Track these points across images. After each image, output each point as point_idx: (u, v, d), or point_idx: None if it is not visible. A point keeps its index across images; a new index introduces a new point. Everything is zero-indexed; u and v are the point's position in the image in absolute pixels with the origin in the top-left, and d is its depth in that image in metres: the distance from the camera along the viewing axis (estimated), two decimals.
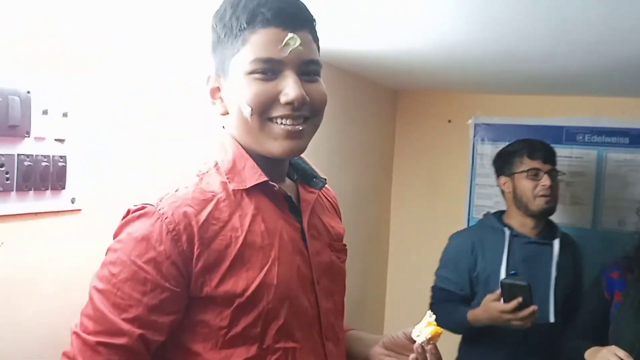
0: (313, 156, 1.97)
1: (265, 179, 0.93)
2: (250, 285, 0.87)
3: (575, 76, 1.98)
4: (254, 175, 0.93)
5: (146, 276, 0.84)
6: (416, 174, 2.65)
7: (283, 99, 0.88)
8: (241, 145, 0.95)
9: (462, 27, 1.41)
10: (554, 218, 2.42)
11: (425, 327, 1.01)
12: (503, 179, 1.96)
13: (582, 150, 2.39)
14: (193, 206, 0.87)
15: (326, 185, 1.13)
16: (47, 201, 1.04)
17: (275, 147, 0.91)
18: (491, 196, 2.50)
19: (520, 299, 1.65)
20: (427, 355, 1.00)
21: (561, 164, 2.41)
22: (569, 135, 2.41)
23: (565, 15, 1.25)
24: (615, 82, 2.03)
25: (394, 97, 2.70)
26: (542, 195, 1.85)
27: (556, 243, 1.88)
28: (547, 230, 1.93)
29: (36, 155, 1.01)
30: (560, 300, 1.85)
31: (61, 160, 1.06)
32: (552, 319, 1.82)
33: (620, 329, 1.61)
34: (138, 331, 0.83)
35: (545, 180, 1.85)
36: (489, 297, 1.72)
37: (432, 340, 1.00)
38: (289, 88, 0.87)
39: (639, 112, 2.32)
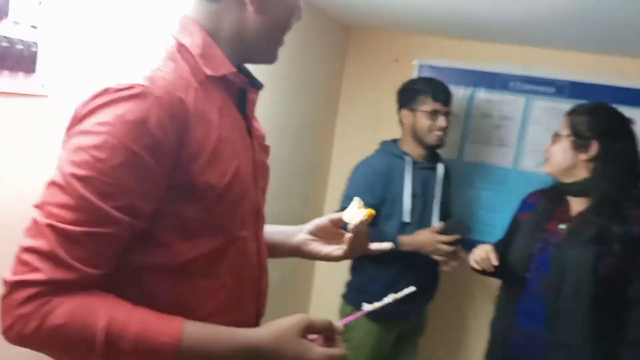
0: (267, 80, 2.08)
1: (234, 70, 0.93)
2: (225, 177, 0.87)
3: (511, 25, 2.16)
4: (224, 64, 0.91)
5: (141, 162, 0.78)
6: (361, 108, 2.80)
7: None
8: (209, 36, 0.93)
9: None
10: (481, 157, 2.66)
11: (357, 210, 1.10)
12: (405, 112, 2.17)
13: (512, 96, 2.60)
14: (183, 91, 0.83)
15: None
16: (19, 82, 1.12)
17: (274, 56, 1.04)
18: None
19: (459, 236, 1.99)
20: (361, 235, 1.10)
21: (492, 108, 2.63)
22: (502, 82, 2.61)
23: None
24: (548, 33, 2.21)
25: (345, 32, 2.81)
26: (437, 132, 2.11)
27: (440, 167, 2.19)
28: (431, 155, 2.20)
29: (13, 38, 1.08)
30: (441, 214, 2.17)
31: (34, 45, 1.13)
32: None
33: (517, 243, 1.83)
34: (128, 219, 0.79)
35: (442, 122, 2.11)
36: (432, 228, 2.04)
37: (366, 221, 1.08)
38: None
39: (565, 64, 2.53)
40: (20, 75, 1.12)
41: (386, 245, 1.19)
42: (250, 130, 1.01)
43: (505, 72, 2.60)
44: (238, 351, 0.82)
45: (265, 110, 1.32)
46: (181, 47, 0.90)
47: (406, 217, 2.07)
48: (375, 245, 1.18)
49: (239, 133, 0.95)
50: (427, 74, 2.68)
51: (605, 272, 1.60)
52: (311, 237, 1.19)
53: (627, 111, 2.46)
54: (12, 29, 1.08)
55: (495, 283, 1.96)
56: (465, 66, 2.65)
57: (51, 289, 0.75)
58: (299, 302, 2.87)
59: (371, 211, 1.09)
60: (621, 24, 1.86)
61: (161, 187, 0.82)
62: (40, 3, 1.13)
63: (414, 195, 2.09)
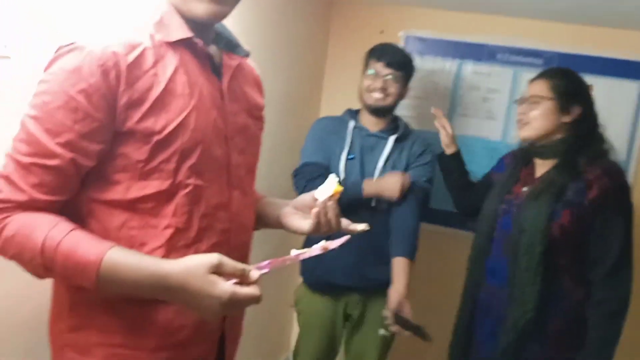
0: (255, 51, 2.03)
1: (191, 35, 1.01)
2: (168, 125, 0.97)
3: None
4: (180, 31, 1.01)
5: (77, 105, 0.90)
6: (346, 82, 2.74)
7: None
8: (172, 5, 1.03)
9: None
10: (469, 130, 2.62)
11: (329, 187, 1.14)
12: (361, 78, 2.14)
13: (500, 68, 2.56)
14: (121, 48, 0.93)
15: (252, 64, 1.25)
16: None
17: (199, 8, 0.99)
18: (416, 108, 2.65)
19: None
20: (328, 210, 1.14)
21: (480, 80, 2.59)
22: (490, 54, 2.56)
23: None
24: (536, 3, 2.17)
25: (329, 5, 2.74)
26: (375, 95, 2.05)
27: (391, 138, 2.08)
28: (391, 127, 2.12)
29: None
30: None
31: None
32: (373, 204, 2.03)
33: (486, 204, 1.90)
34: (70, 154, 0.92)
35: (378, 83, 2.04)
36: (398, 173, 2.00)
37: (333, 197, 1.14)
38: None
39: (553, 36, 2.49)
40: None
41: (362, 227, 1.18)
42: (223, 92, 1.08)
43: (493, 43, 2.56)
44: (148, 278, 0.90)
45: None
46: (146, 20, 1.01)
47: (339, 177, 2.02)
48: (350, 226, 1.19)
49: (203, 91, 1.03)
50: (413, 45, 2.63)
51: (557, 232, 1.66)
52: (293, 210, 1.24)
53: (614, 82, 2.46)
54: None
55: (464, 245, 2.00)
56: (452, 38, 2.60)
57: (8, 207, 0.92)
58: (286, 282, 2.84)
59: (338, 188, 1.13)
60: None
61: (104, 130, 0.94)
62: None
63: (351, 158, 2.05)
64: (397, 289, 1.93)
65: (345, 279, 2.04)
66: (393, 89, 2.06)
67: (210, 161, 1.04)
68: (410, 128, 2.19)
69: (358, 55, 2.68)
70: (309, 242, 2.05)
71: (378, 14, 2.69)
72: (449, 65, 2.61)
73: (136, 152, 0.96)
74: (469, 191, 2.18)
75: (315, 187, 1.21)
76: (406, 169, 2.08)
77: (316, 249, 1.04)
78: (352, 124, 2.10)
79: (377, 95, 2.05)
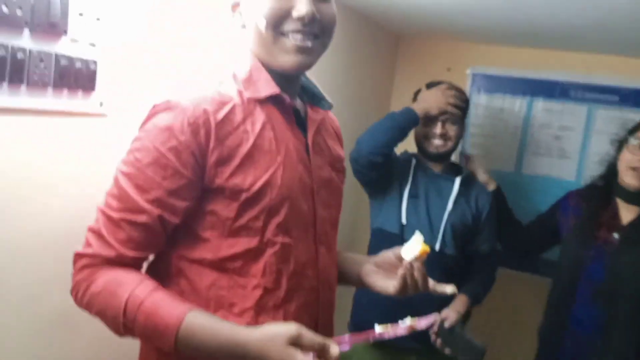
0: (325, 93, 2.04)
1: (278, 91, 1.02)
2: (257, 182, 0.96)
3: (571, 31, 2.05)
4: (268, 87, 1.01)
5: (167, 162, 0.92)
6: None
7: (295, 13, 0.96)
8: (259, 60, 1.03)
9: None
10: (541, 169, 2.54)
11: (415, 245, 1.09)
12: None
13: (574, 105, 2.47)
14: (212, 105, 0.95)
15: (332, 115, 1.25)
16: (78, 102, 1.11)
17: (285, 60, 0.99)
18: (485, 147, 2.60)
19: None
20: (415, 271, 1.10)
21: (552, 118, 2.51)
22: (562, 90, 2.49)
23: None
24: (609, 39, 2.10)
25: (396, 41, 2.74)
26: (435, 141, 1.97)
27: (457, 180, 1.98)
28: (452, 169, 2.05)
29: (72, 56, 1.06)
30: (451, 232, 1.95)
31: (93, 64, 1.11)
32: (437, 247, 1.94)
33: (566, 250, 1.84)
34: (157, 211, 0.93)
35: (437, 128, 1.95)
36: None
37: (420, 258, 1.08)
38: (301, 4, 0.95)
39: (630, 71, 2.40)
40: (80, 93, 1.10)
41: (450, 289, 1.14)
42: (309, 146, 1.08)
43: (565, 80, 2.48)
44: (226, 344, 0.88)
45: None
46: (234, 75, 1.03)
47: (403, 219, 1.95)
48: (437, 287, 1.15)
49: (289, 146, 1.03)
50: (481, 83, 2.59)
51: None
52: (375, 268, 1.20)
53: None
54: (71, 47, 1.06)
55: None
56: (522, 74, 2.54)
57: (97, 261, 0.93)
58: None
59: (425, 248, 1.08)
60: None
61: (191, 187, 0.95)
62: (98, 19, 1.11)
63: (414, 196, 1.98)
64: (448, 309, 1.85)
65: (406, 340, 1.98)
66: (452, 132, 1.99)
67: (298, 217, 1.03)
68: (472, 175, 2.12)
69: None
70: None
71: (445, 50, 2.67)
72: (519, 102, 2.54)
73: (225, 210, 0.96)
74: (516, 229, 2.13)
75: None
76: (471, 219, 2.01)
77: (402, 329, 1.00)
78: (414, 161, 2.04)
79: (438, 142, 1.98)
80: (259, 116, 1.00)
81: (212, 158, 0.94)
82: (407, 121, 1.93)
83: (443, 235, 1.96)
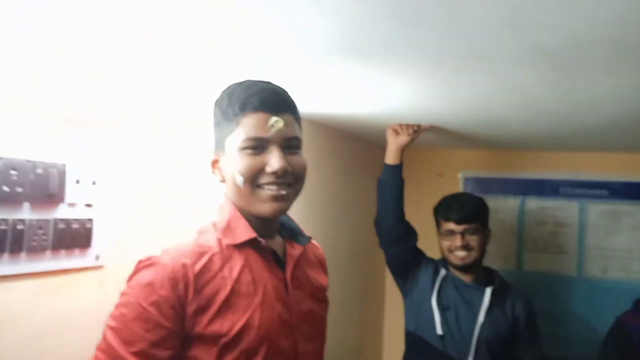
0: (312, 212, 2.14)
1: (254, 235, 1.09)
2: (234, 326, 1.02)
3: (554, 136, 2.15)
4: (245, 233, 1.09)
5: (149, 316, 0.98)
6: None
7: (268, 169, 1.06)
8: (237, 208, 1.12)
9: (440, 97, 1.59)
10: (542, 266, 2.55)
11: None
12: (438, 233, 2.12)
13: (565, 201, 2.54)
14: (190, 258, 1.02)
15: (316, 244, 1.32)
16: (76, 259, 1.20)
17: (263, 208, 1.08)
18: None
19: None
20: None
21: (546, 215, 2.57)
22: (552, 188, 2.56)
23: (537, 93, 1.43)
24: (596, 139, 2.19)
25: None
26: (456, 252, 2.00)
27: (488, 290, 2.00)
28: (484, 277, 2.07)
29: (69, 219, 1.16)
30: (484, 344, 1.94)
31: (89, 222, 1.22)
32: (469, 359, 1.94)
33: None
34: None
35: (457, 241, 2.00)
36: None
37: None
38: (274, 160, 1.05)
39: (616, 166, 2.48)
40: (76, 251, 1.19)
41: None
42: (287, 283, 1.13)
43: (554, 178, 2.56)
44: None
45: (316, 240, 1.37)
46: (214, 224, 1.12)
47: (438, 329, 1.98)
48: None
49: (267, 286, 1.08)
50: (472, 186, 2.68)
51: None
52: None
53: None
54: (68, 211, 1.17)
55: None
56: (511, 175, 2.63)
57: None
58: None
59: None
60: None
61: (173, 337, 0.99)
62: (94, 183, 1.22)
63: (445, 309, 2.00)
64: None
65: None
66: (474, 242, 2.02)
67: (277, 356, 1.07)
68: (507, 281, 2.11)
69: (418, 198, 2.75)
70: None
71: (436, 158, 2.78)
72: (512, 202, 2.61)
73: (205, 354, 1.00)
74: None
75: None
76: (508, 330, 2.00)
77: None
78: (443, 272, 2.07)
79: (461, 253, 2.02)
80: (237, 261, 1.07)
81: (191, 308, 1.00)
82: (392, 176, 2.05)
83: (476, 349, 1.96)
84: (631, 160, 2.45)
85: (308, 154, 2.13)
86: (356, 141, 2.50)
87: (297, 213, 1.94)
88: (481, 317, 1.97)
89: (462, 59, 1.21)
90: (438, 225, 2.11)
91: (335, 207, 2.35)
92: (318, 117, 2.04)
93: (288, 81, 1.46)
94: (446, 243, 2.04)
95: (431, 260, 2.16)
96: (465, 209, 2.04)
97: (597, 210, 2.50)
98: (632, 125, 1.82)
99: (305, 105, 1.84)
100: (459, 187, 2.68)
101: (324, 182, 2.26)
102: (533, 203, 2.59)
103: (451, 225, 2.02)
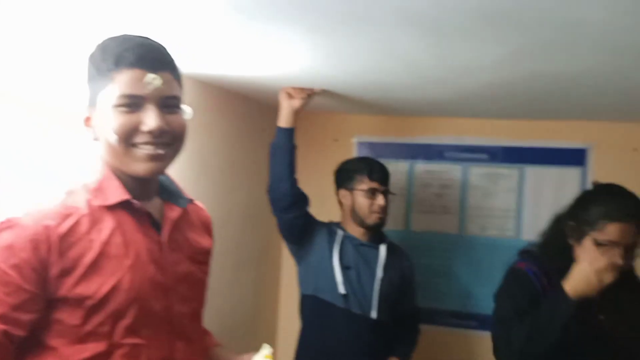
0: (203, 175, 2.12)
1: (127, 197, 1.07)
2: (101, 289, 1.00)
3: (441, 102, 2.27)
4: (117, 194, 1.07)
5: (9, 279, 0.95)
6: (305, 188, 2.84)
7: (144, 128, 1.03)
8: (111, 168, 1.09)
9: (326, 60, 1.63)
10: (427, 225, 2.71)
11: (262, 358, 1.18)
12: (343, 192, 2.19)
13: (449, 165, 2.70)
14: (54, 219, 0.99)
15: (200, 206, 1.31)
16: None
17: (138, 167, 1.06)
18: None
19: None
20: None
21: (433, 178, 2.72)
22: (438, 152, 2.72)
23: (415, 57, 1.50)
24: (476, 106, 2.34)
25: None
26: (377, 212, 2.12)
27: (383, 247, 2.15)
28: (377, 237, 2.20)
29: None
30: (383, 298, 2.10)
31: None
32: (374, 315, 2.07)
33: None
34: (2, 326, 0.95)
35: (381, 200, 2.12)
36: None
37: None
38: (150, 119, 1.03)
39: (495, 132, 2.66)
40: None
41: None
42: (163, 244, 1.12)
43: (439, 143, 2.71)
44: None
45: (208, 203, 1.36)
46: (84, 185, 1.07)
47: (340, 289, 2.06)
48: None
49: (139, 249, 1.07)
50: (366, 150, 2.77)
51: None
52: None
53: (558, 170, 2.61)
54: None
55: None
56: (402, 140, 2.75)
57: None
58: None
59: None
60: (544, 92, 1.97)
61: (36, 301, 0.98)
62: None
63: (347, 268, 2.09)
64: None
65: None
66: (387, 204, 2.16)
67: (149, 317, 1.07)
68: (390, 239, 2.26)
69: (314, 162, 2.81)
70: None
71: (331, 122, 2.84)
72: (402, 166, 2.74)
73: (71, 317, 1.00)
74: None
75: None
76: (399, 283, 2.16)
77: None
78: (340, 232, 2.16)
79: (380, 213, 2.13)
80: (108, 223, 1.04)
81: (54, 271, 0.97)
82: (285, 140, 2.07)
83: (377, 303, 2.08)
84: (508, 126, 2.64)
85: (199, 116, 2.12)
86: (250, 104, 2.50)
87: (187, 176, 1.93)
88: (380, 273, 2.11)
89: (343, 21, 1.24)
90: (351, 185, 2.16)
91: (228, 171, 2.34)
92: (209, 78, 2.01)
93: (174, 39, 1.42)
94: (366, 202, 2.12)
95: (322, 223, 2.23)
96: (386, 172, 2.18)
97: (478, 173, 2.68)
98: (503, 91, 1.96)
99: (196, 66, 1.80)
100: (353, 152, 2.77)
101: (216, 145, 2.25)
102: (420, 167, 2.73)
103: (376, 185, 2.12)
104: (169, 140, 1.07)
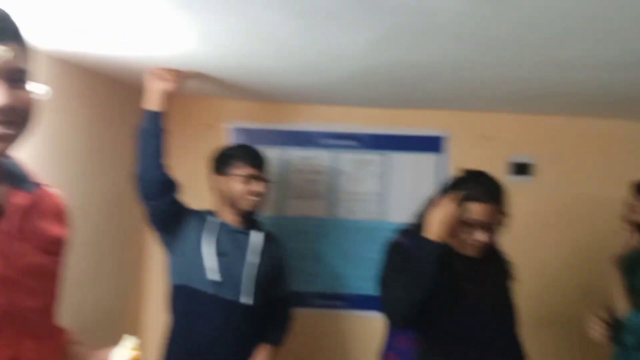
0: (63, 160, 1.98)
1: None
2: None
3: (309, 88, 2.33)
4: None
5: None
6: (176, 175, 2.76)
7: None
8: None
9: (197, 40, 1.60)
10: (301, 210, 2.77)
11: (127, 350, 1.15)
12: (219, 177, 2.17)
13: (320, 151, 2.79)
14: None
15: (54, 193, 1.19)
16: None
17: None
18: None
19: None
20: None
21: (305, 164, 2.79)
22: (310, 139, 2.79)
23: (285, 40, 1.52)
24: (342, 93, 2.43)
25: None
26: (252, 197, 2.13)
27: (257, 234, 2.17)
28: (251, 223, 2.22)
29: None
30: (256, 284, 2.11)
31: None
32: (246, 301, 2.09)
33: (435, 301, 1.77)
34: None
35: (257, 186, 2.13)
36: None
37: None
38: None
39: (364, 119, 2.79)
40: None
41: None
42: (7, 234, 1.02)
43: (312, 130, 2.78)
44: None
45: (66, 190, 1.26)
46: None
47: (212, 275, 2.04)
48: None
49: None
50: (239, 136, 2.77)
51: None
52: None
53: (418, 156, 2.80)
54: None
55: None
56: (275, 127, 2.78)
57: None
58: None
59: (136, 355, 1.15)
60: (406, 81, 2.10)
61: None
62: None
63: (221, 254, 2.08)
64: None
65: None
66: (265, 190, 2.17)
67: None
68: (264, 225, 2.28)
69: (185, 148, 2.75)
70: None
71: (204, 107, 2.79)
72: (276, 152, 2.77)
73: None
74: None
75: None
76: (273, 269, 2.19)
77: None
78: (214, 219, 2.13)
79: (255, 198, 2.12)
80: None
81: None
82: (153, 124, 2.00)
83: (250, 289, 2.09)
84: (375, 114, 2.79)
85: (58, 96, 1.98)
86: (115, 85, 2.38)
87: (43, 161, 1.79)
88: (253, 259, 2.12)
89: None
90: (228, 171, 2.14)
91: (89, 156, 2.22)
92: (68, 55, 1.88)
93: (25, 10, 1.31)
94: (242, 187, 2.10)
95: (194, 210, 2.19)
96: (263, 158, 2.19)
97: (347, 159, 2.80)
98: (370, 80, 2.06)
99: (53, 42, 1.68)
100: (227, 138, 2.75)
101: (76, 128, 2.12)
102: (294, 153, 2.79)
103: (252, 171, 2.12)
104: (17, 119, 0.97)
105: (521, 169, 2.81)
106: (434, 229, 1.70)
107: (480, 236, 1.74)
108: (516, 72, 1.83)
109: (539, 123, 2.80)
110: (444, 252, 1.71)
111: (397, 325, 1.82)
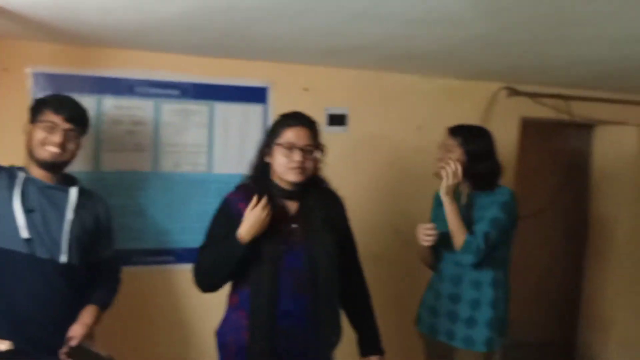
0: None
1: None
2: None
3: (129, 31, 2.17)
4: None
5: None
6: None
7: None
8: None
9: None
10: (120, 164, 2.62)
11: None
12: (28, 126, 1.99)
13: (141, 101, 2.63)
14: None
15: None
16: None
17: None
18: None
19: None
20: None
21: (123, 114, 2.62)
22: (128, 87, 2.61)
23: None
24: (167, 39, 2.31)
25: None
26: (50, 148, 1.94)
27: (73, 190, 2.02)
28: (66, 179, 2.07)
29: None
30: (74, 241, 1.99)
31: None
32: (63, 259, 1.95)
33: (261, 249, 1.89)
34: None
35: (56, 137, 1.94)
36: None
37: None
38: None
39: (187, 68, 2.69)
40: None
41: None
42: None
43: (130, 77, 2.61)
44: None
45: None
46: None
47: (23, 233, 1.88)
48: None
49: None
50: (43, 83, 2.48)
51: None
52: None
53: (245, 106, 2.81)
54: None
55: None
56: (87, 73, 2.55)
57: None
58: None
59: None
60: (223, 28, 2.07)
61: None
62: None
63: (30, 211, 1.91)
64: (76, 324, 1.93)
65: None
66: (72, 145, 1.99)
67: None
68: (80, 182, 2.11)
69: None
70: None
71: (1, 50, 2.44)
72: (88, 101, 2.53)
73: None
74: None
75: None
76: (92, 226, 2.06)
77: None
78: (22, 175, 1.94)
79: (54, 149, 1.93)
80: None
81: None
82: None
83: (68, 247, 1.94)
84: (199, 63, 2.70)
85: None
86: None
87: None
88: (69, 215, 1.98)
89: None
90: (36, 115, 1.96)
91: None
92: None
93: None
94: (41, 135, 1.93)
95: (3, 167, 1.98)
96: (78, 110, 2.04)
97: (170, 109, 2.68)
98: (192, 23, 1.99)
99: None
100: (28, 84, 2.45)
101: None
102: (110, 102, 2.59)
103: (57, 120, 1.94)
104: None
105: (337, 119, 2.99)
106: (245, 229, 1.83)
107: (297, 156, 1.86)
108: (332, 24, 1.93)
109: (352, 76, 3.00)
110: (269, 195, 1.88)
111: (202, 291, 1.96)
